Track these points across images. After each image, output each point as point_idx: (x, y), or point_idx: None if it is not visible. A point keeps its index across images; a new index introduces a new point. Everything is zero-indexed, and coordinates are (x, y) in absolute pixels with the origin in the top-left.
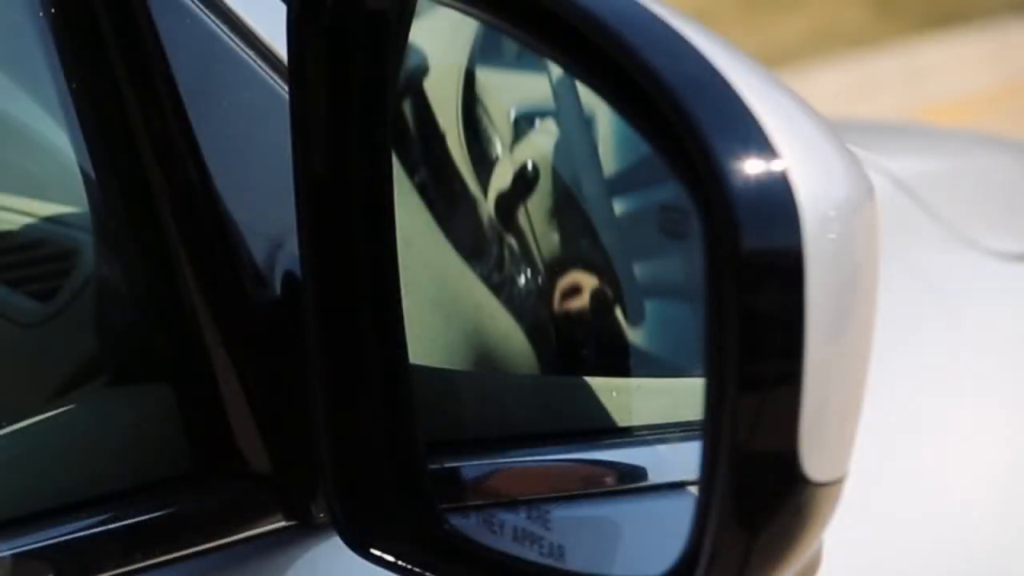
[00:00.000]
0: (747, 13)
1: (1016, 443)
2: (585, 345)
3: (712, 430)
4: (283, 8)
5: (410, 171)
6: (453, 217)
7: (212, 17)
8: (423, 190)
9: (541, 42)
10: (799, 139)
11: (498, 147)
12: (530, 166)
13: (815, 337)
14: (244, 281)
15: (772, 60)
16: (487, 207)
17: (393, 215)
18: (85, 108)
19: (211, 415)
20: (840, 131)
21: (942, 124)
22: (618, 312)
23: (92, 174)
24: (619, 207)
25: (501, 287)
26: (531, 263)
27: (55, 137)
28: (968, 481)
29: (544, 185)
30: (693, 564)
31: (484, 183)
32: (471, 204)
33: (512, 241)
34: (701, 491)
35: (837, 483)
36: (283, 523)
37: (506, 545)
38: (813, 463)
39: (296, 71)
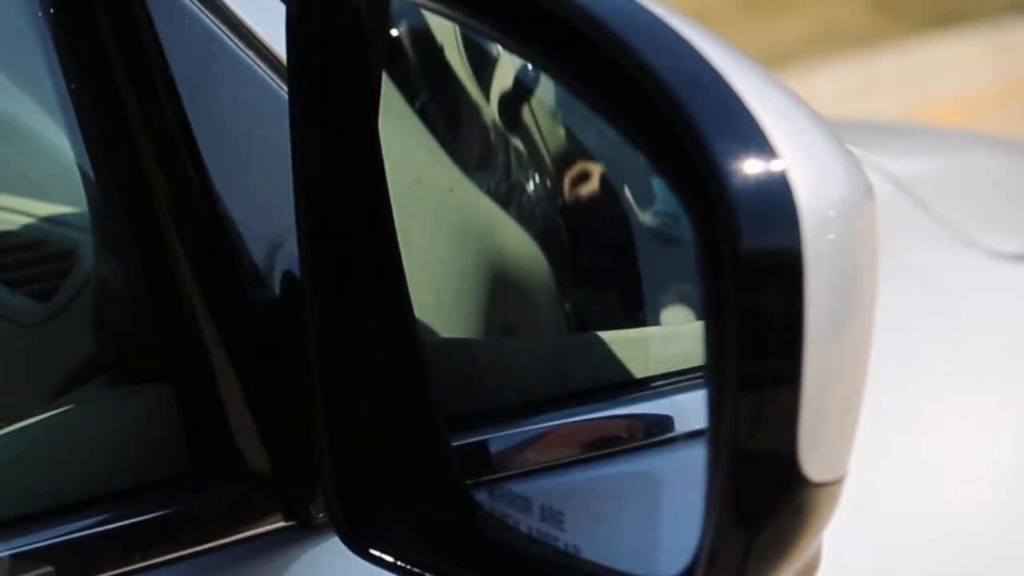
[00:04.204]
0: (747, 13)
1: (1016, 443)
2: (596, 236)
3: (712, 430)
4: (283, 8)
5: (411, 97)
6: (457, 131)
7: (211, 17)
8: (424, 113)
9: (531, 47)
10: (798, 139)
11: (497, 46)
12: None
13: (814, 337)
14: (243, 281)
15: (772, 60)
16: (491, 111)
17: (390, 209)
18: (85, 108)
19: (210, 415)
20: (840, 131)
21: (942, 124)
22: (627, 193)
23: (91, 174)
24: None
25: (510, 195)
26: (539, 162)
27: (55, 137)
28: (968, 481)
29: (546, 80)
30: (693, 564)
31: (486, 87)
32: (474, 112)
33: (519, 143)
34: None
35: (836, 483)
36: (282, 523)
37: (515, 543)
38: (812, 463)
39: (295, 71)
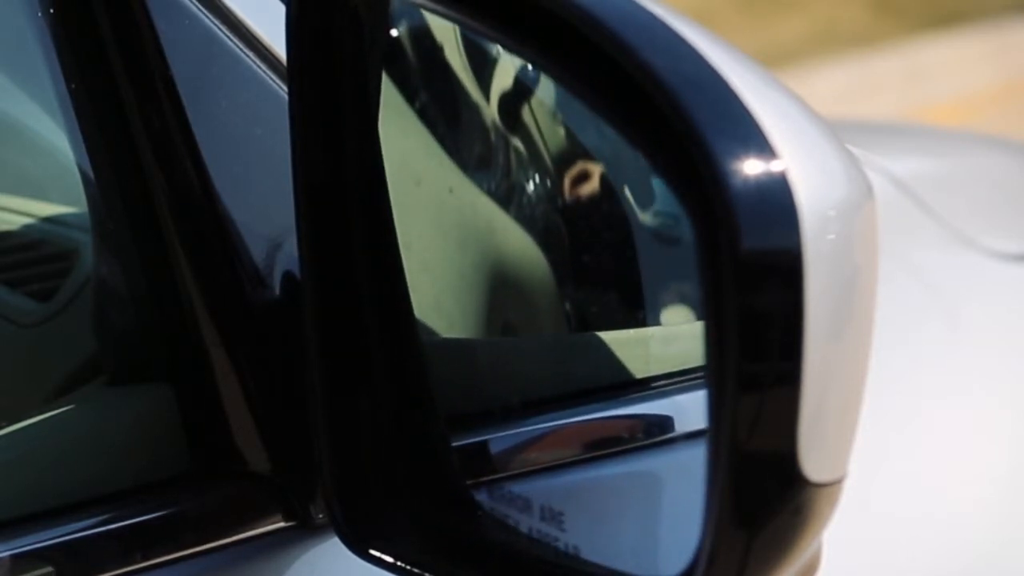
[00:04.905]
0: (747, 13)
1: (1016, 443)
2: (596, 236)
3: (712, 430)
4: (283, 8)
5: (411, 97)
6: (457, 131)
7: (211, 17)
8: (424, 113)
9: (531, 47)
10: (798, 139)
11: (497, 46)
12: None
13: (814, 337)
14: (243, 281)
15: (772, 60)
16: (491, 111)
17: (390, 210)
18: (85, 108)
19: (210, 415)
20: (840, 131)
21: (942, 124)
22: (627, 193)
23: (91, 174)
24: None
25: (510, 195)
26: (539, 162)
27: (55, 137)
28: (968, 481)
29: (546, 80)
30: (693, 564)
31: (486, 88)
32: (474, 112)
33: (519, 143)
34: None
35: (836, 483)
36: (282, 523)
37: (515, 543)
38: (812, 463)
39: (295, 71)
